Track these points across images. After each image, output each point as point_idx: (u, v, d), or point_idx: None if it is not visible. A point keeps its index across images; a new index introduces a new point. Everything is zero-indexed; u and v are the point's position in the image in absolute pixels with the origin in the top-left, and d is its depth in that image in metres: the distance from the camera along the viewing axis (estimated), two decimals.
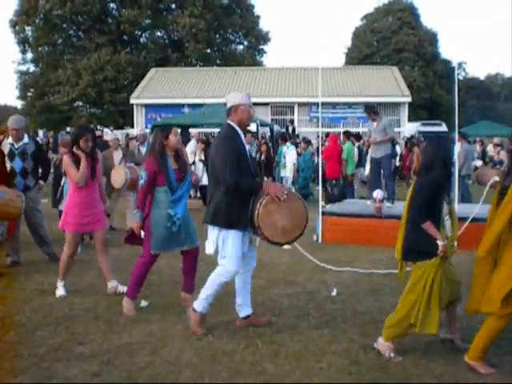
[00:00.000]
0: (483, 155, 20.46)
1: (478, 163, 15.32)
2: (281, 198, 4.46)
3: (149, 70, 35.75)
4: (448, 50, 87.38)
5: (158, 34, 43.60)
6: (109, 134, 11.98)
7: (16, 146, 7.14)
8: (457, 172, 9.81)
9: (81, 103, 40.94)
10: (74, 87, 37.87)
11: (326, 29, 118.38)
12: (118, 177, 8.74)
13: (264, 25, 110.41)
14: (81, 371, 3.96)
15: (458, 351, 4.32)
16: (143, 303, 5.46)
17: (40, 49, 41.17)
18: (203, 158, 12.91)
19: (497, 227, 3.92)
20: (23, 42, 40.68)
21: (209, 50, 43.37)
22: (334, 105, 30.10)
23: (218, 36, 44.35)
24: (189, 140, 14.00)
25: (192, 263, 5.44)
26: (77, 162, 5.76)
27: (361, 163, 13.92)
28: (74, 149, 5.79)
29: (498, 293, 3.86)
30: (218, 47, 44.98)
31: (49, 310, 5.34)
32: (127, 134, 25.03)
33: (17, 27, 39.93)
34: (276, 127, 23.81)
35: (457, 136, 10.67)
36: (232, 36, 46.10)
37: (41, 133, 28.87)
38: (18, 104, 48.12)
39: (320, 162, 10.66)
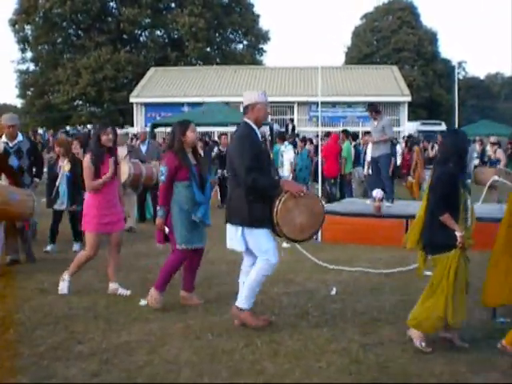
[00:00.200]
0: (482, 155, 20.47)
1: (475, 162, 15.29)
2: (300, 195, 4.53)
3: (148, 69, 35.72)
4: (448, 49, 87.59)
5: (158, 32, 43.55)
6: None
7: (11, 145, 7.12)
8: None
9: (80, 102, 40.87)
10: (74, 86, 37.81)
11: (325, 28, 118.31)
12: (122, 171, 8.74)
13: (264, 24, 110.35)
14: (80, 370, 3.95)
15: (457, 350, 4.32)
16: (142, 302, 5.46)
17: (40, 48, 41.08)
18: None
19: None
20: (23, 41, 40.59)
21: (208, 49, 43.30)
22: (333, 104, 30.09)
23: (217, 35, 44.29)
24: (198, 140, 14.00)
25: (199, 262, 5.52)
26: (97, 162, 5.68)
27: (358, 162, 14.00)
28: (97, 145, 5.72)
29: None
30: (218, 46, 44.92)
31: (48, 309, 5.34)
32: (126, 133, 24.97)
33: (16, 26, 39.86)
34: (276, 126, 23.83)
35: None
36: (232, 35, 46.05)
37: (41, 131, 28.85)
38: (18, 103, 48.15)
39: (320, 160, 10.67)
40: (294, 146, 15.42)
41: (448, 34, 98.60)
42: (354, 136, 14.80)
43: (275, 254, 4.71)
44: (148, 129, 14.80)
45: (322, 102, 14.20)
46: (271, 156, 13.12)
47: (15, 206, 6.44)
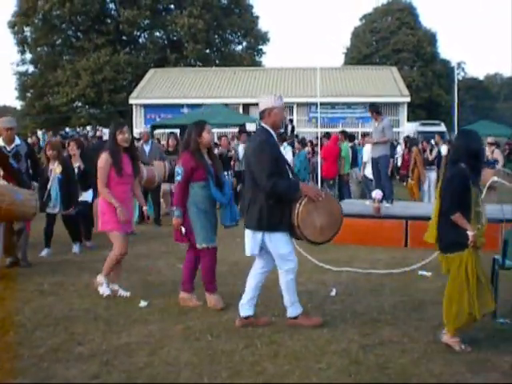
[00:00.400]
0: None
1: None
2: (319, 199, 4.59)
3: (148, 71, 35.72)
4: (447, 49, 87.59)
5: (157, 34, 43.56)
6: None
7: (8, 149, 7.00)
8: None
9: (80, 104, 40.86)
10: (73, 88, 37.79)
11: (324, 29, 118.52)
12: None
13: (263, 25, 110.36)
14: (80, 372, 3.96)
15: (458, 352, 4.32)
16: (142, 303, 5.46)
17: (39, 49, 41.04)
18: None
19: None
20: (22, 43, 40.55)
21: (208, 51, 43.29)
22: (333, 105, 30.09)
23: (216, 36, 44.27)
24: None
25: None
26: (114, 162, 5.61)
27: (355, 163, 14.05)
28: (113, 145, 5.66)
29: None
30: (217, 47, 44.92)
31: (48, 310, 5.34)
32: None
33: (15, 28, 39.85)
34: None
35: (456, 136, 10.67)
36: (231, 36, 46.02)
37: (39, 133, 28.83)
38: (17, 105, 48.12)
39: (319, 161, 10.68)
40: (293, 147, 15.44)
41: (447, 35, 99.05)
42: (351, 137, 14.83)
43: (293, 257, 4.80)
44: (148, 130, 14.76)
45: (321, 103, 14.22)
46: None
47: (20, 206, 6.45)
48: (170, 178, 11.00)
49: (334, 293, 5.91)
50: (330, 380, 3.85)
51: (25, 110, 41.98)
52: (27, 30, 40.42)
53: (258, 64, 44.60)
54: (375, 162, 10.06)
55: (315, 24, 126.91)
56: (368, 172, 12.61)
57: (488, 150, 12.57)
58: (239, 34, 45.30)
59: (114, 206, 5.58)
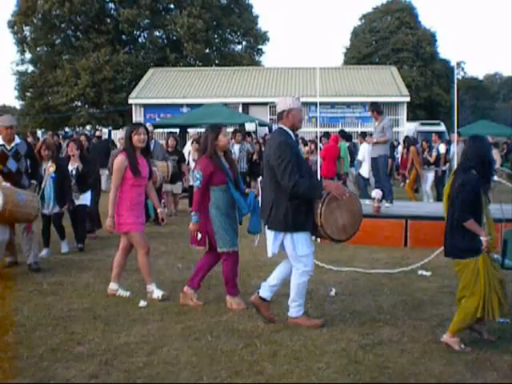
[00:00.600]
0: None
1: None
2: (343, 197, 4.62)
3: (147, 70, 35.71)
4: (447, 49, 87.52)
5: (157, 33, 43.52)
6: (119, 131, 11.88)
7: (8, 148, 6.91)
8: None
9: (79, 103, 40.83)
10: (73, 87, 37.75)
11: (324, 29, 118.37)
12: None
13: (262, 24, 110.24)
14: (79, 371, 3.95)
15: (457, 352, 4.32)
16: (142, 303, 5.46)
17: (38, 49, 41.03)
18: (197, 157, 12.85)
19: None
20: (22, 43, 40.53)
21: (207, 50, 43.25)
22: (332, 104, 30.09)
23: (216, 36, 44.25)
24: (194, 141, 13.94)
25: (216, 263, 5.56)
26: (133, 164, 5.57)
27: (352, 163, 14.08)
28: (128, 145, 5.63)
29: None
30: (217, 47, 44.88)
31: (47, 310, 5.34)
32: None
33: (15, 27, 39.83)
34: (275, 127, 23.82)
35: (456, 135, 10.69)
36: (230, 36, 45.99)
37: (39, 133, 28.82)
38: (17, 104, 48.07)
39: (318, 161, 10.68)
40: None
41: (447, 35, 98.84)
42: (348, 137, 14.86)
43: (311, 260, 4.87)
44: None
45: (320, 103, 14.22)
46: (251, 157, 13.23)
47: (23, 207, 6.46)
48: (172, 178, 11.00)
49: (333, 292, 5.91)
50: (329, 379, 3.85)
51: (24, 109, 41.94)
52: (27, 30, 40.41)
53: (258, 64, 44.60)
54: (374, 161, 10.04)
55: (315, 24, 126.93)
56: (363, 171, 12.65)
57: None
58: (239, 33, 45.28)
59: (110, 211, 5.59)
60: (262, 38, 45.58)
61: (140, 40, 43.25)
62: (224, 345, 4.43)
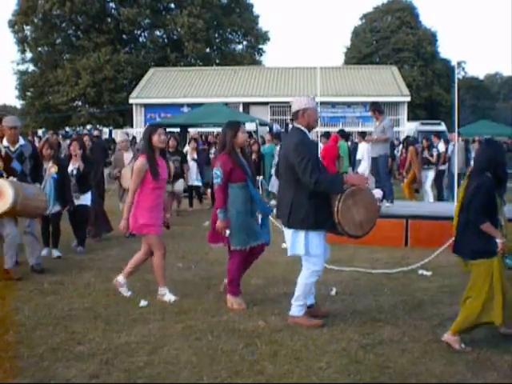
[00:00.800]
0: None
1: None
2: (366, 185, 4.75)
3: (148, 70, 35.71)
4: (447, 49, 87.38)
5: (157, 33, 43.50)
6: (118, 134, 11.86)
7: (12, 149, 6.77)
8: (456, 172, 9.88)
9: (80, 103, 40.81)
10: (74, 87, 37.73)
11: (325, 28, 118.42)
12: (127, 176, 8.59)
13: (263, 24, 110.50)
14: (80, 371, 3.95)
15: (458, 351, 4.32)
16: (142, 303, 5.46)
17: (39, 49, 41.01)
18: (195, 156, 12.89)
19: None
20: (22, 42, 40.51)
21: (208, 50, 43.23)
22: (333, 104, 30.07)
23: (217, 35, 44.23)
24: (192, 140, 13.97)
25: (252, 261, 5.57)
26: (154, 166, 5.52)
27: (350, 162, 14.12)
28: (148, 147, 5.58)
29: None
30: (217, 47, 44.86)
31: (48, 309, 5.34)
32: (127, 133, 25.00)
33: (16, 27, 39.82)
34: (276, 126, 23.82)
35: (456, 135, 10.69)
36: (231, 35, 45.97)
37: (40, 132, 28.83)
38: (18, 104, 48.06)
39: None
40: None
41: (447, 34, 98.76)
42: (347, 137, 14.89)
43: (322, 261, 4.88)
44: None
45: (321, 103, 14.19)
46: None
47: (33, 201, 6.47)
48: (174, 179, 10.98)
49: (333, 292, 5.91)
50: (329, 379, 3.85)
51: (25, 109, 41.93)
52: (27, 29, 40.38)
53: (258, 63, 44.59)
54: (375, 161, 10.04)
55: (315, 23, 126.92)
56: (361, 170, 12.66)
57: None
58: (239, 33, 45.26)
59: (125, 213, 5.60)
60: (263, 37, 45.56)
61: (140, 39, 43.25)
62: (224, 344, 4.43)
